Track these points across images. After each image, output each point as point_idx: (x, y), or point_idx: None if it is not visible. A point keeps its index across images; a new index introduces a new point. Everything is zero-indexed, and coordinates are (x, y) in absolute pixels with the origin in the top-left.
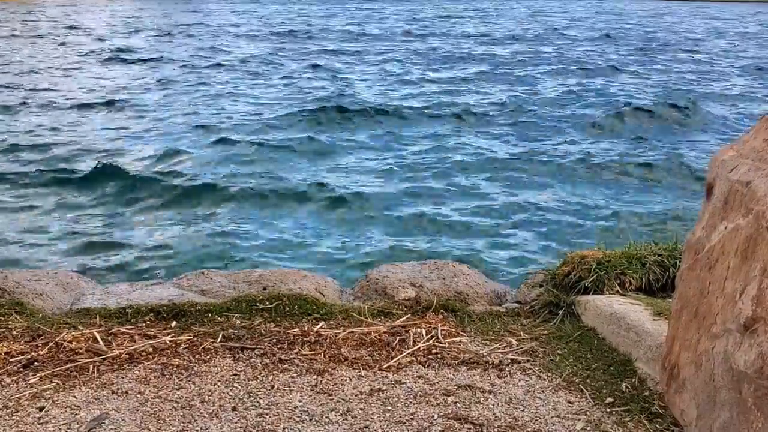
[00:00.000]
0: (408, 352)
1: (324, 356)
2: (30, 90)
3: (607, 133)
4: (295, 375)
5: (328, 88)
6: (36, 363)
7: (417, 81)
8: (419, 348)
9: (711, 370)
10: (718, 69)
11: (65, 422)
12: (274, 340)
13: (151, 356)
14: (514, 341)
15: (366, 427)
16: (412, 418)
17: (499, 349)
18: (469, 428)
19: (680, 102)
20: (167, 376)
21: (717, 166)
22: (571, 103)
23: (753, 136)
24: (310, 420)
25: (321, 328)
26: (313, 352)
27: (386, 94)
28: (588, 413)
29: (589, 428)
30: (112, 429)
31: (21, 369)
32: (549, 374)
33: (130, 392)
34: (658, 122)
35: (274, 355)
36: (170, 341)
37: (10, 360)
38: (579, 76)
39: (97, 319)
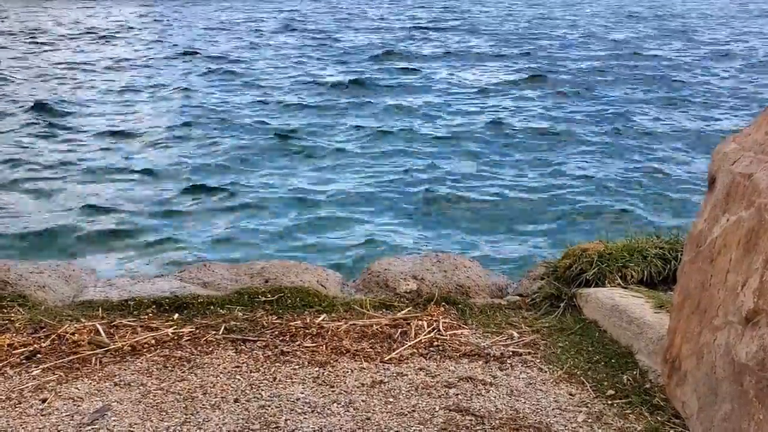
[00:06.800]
0: (409, 344)
1: (326, 348)
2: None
3: (606, 126)
4: (297, 367)
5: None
6: (38, 355)
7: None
8: (421, 340)
9: (712, 363)
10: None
11: (68, 414)
12: (276, 333)
13: (153, 348)
14: (515, 334)
15: (368, 418)
16: (413, 410)
17: (500, 341)
18: (471, 420)
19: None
20: (169, 368)
21: (719, 158)
22: (567, 103)
23: (755, 129)
24: (312, 412)
25: (323, 320)
26: (315, 345)
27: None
28: (589, 405)
29: (590, 420)
30: (114, 420)
31: (24, 361)
32: (550, 366)
33: (132, 384)
34: (660, 119)
35: (276, 348)
36: (172, 333)
37: (13, 352)
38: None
39: (100, 311)
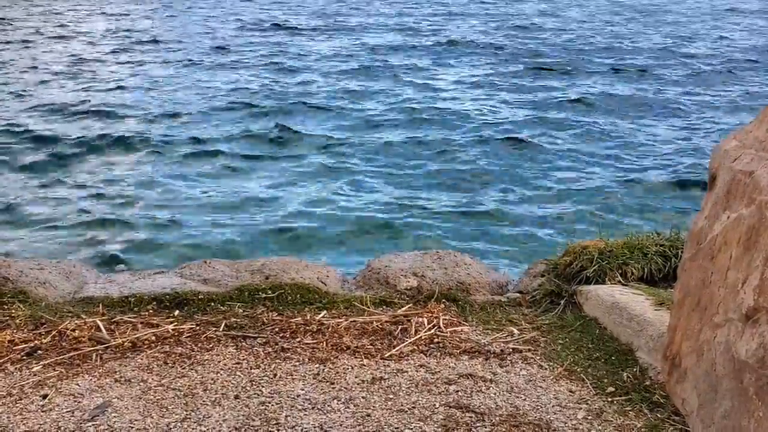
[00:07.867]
0: (410, 341)
1: (326, 345)
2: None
3: (609, 122)
4: (297, 364)
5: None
6: (39, 351)
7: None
8: (421, 337)
9: (712, 360)
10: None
11: (68, 410)
12: (277, 329)
13: (153, 345)
14: (515, 331)
15: (368, 415)
16: (413, 407)
17: (500, 338)
18: (471, 417)
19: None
20: (170, 365)
21: (720, 156)
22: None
23: (756, 126)
24: (313, 408)
25: (323, 317)
26: (315, 341)
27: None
28: (589, 402)
29: (590, 417)
30: (115, 417)
31: (24, 357)
32: (550, 363)
33: (132, 380)
34: (665, 114)
35: (277, 344)
36: (173, 330)
37: (14, 348)
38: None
39: (100, 307)
